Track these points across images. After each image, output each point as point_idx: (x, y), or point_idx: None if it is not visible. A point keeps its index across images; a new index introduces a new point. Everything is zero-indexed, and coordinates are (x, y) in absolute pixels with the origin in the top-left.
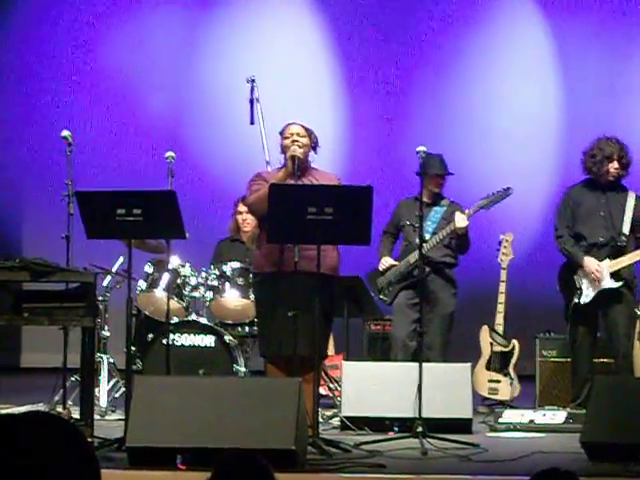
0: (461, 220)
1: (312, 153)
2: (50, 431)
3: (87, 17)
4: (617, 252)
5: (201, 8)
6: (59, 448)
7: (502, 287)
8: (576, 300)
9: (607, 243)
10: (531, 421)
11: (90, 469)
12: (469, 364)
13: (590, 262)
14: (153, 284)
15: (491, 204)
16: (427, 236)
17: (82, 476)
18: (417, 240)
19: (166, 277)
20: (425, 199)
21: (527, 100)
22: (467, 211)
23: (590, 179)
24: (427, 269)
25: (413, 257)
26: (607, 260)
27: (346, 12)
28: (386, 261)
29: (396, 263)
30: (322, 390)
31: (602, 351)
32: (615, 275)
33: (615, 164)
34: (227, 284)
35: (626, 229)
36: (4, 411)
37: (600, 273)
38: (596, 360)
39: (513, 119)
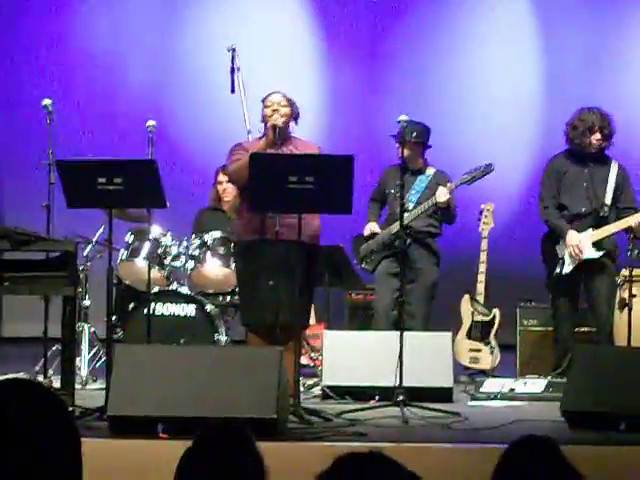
0: (442, 194)
1: (293, 124)
2: (29, 398)
3: None
4: (600, 222)
5: None
6: (39, 415)
7: (483, 256)
8: (558, 270)
9: (590, 213)
10: (512, 390)
11: (70, 438)
12: (449, 333)
13: (571, 237)
14: (134, 253)
15: (473, 180)
16: (410, 205)
17: (62, 444)
18: (398, 209)
19: (147, 246)
20: (411, 167)
21: (508, 69)
22: (448, 185)
23: (573, 149)
24: (408, 240)
25: (395, 227)
26: (590, 230)
27: None
28: (370, 227)
29: (379, 231)
30: (303, 359)
31: (584, 320)
32: (596, 245)
33: (597, 135)
34: (208, 253)
35: (608, 200)
36: None
37: (579, 249)
38: (578, 329)
39: (494, 89)
